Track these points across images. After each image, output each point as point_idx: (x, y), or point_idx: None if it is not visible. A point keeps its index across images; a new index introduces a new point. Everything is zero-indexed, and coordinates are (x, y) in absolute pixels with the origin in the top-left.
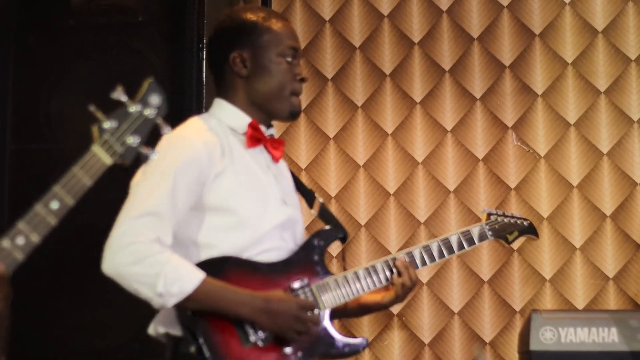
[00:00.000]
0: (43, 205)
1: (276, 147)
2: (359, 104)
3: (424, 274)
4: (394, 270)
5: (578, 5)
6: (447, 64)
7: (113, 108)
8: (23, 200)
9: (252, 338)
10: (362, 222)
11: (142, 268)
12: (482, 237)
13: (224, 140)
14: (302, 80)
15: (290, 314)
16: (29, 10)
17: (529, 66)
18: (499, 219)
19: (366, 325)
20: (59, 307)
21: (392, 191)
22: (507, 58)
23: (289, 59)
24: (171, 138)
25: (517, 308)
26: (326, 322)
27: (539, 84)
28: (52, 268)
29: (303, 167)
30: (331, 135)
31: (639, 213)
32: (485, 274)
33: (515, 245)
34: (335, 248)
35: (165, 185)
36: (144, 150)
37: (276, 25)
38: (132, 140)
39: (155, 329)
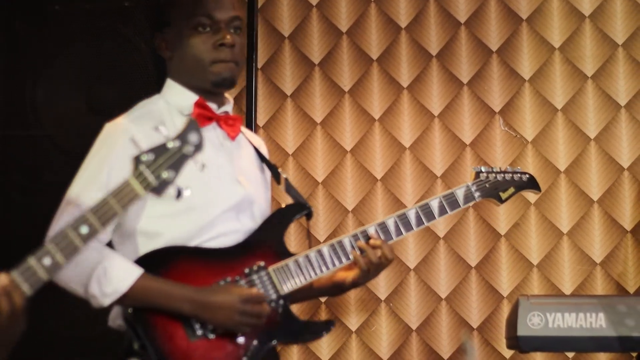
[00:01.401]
0: (72, 229)
1: (231, 124)
2: (346, 89)
3: (411, 260)
4: (356, 247)
5: None
6: (434, 49)
7: (101, 93)
8: (9, 186)
9: (199, 332)
10: (350, 208)
11: (76, 269)
12: (469, 199)
13: (169, 122)
14: (223, 45)
15: (232, 307)
16: None
17: (516, 51)
18: (490, 176)
19: (353, 312)
20: (43, 296)
21: (379, 177)
22: (494, 43)
23: (203, 29)
24: (109, 126)
25: (505, 294)
26: (285, 306)
27: (526, 69)
28: None
29: (290, 153)
30: (318, 120)
31: (626, 198)
32: (473, 259)
33: (503, 230)
34: (326, 229)
35: (100, 179)
36: (179, 185)
37: None
38: (167, 174)
39: (113, 320)
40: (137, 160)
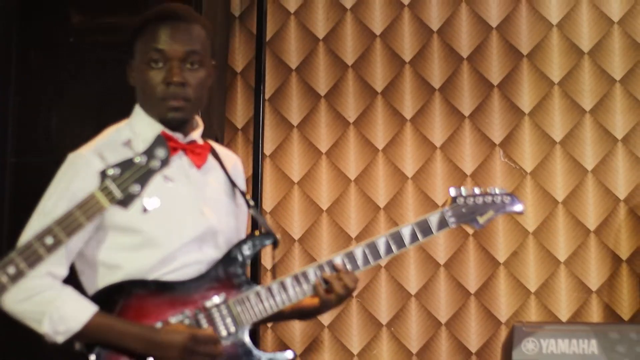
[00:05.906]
0: (37, 239)
1: (198, 152)
2: (351, 120)
3: (412, 286)
4: (320, 278)
5: (565, 27)
6: (437, 83)
7: (112, 120)
8: (23, 213)
9: None
10: (353, 235)
11: (30, 305)
12: (442, 225)
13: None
14: (171, 84)
15: (182, 347)
16: (30, 27)
17: (517, 85)
18: (468, 200)
19: (355, 335)
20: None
21: (382, 205)
22: (495, 77)
23: (155, 64)
24: (71, 157)
25: (503, 320)
26: (245, 339)
27: (526, 102)
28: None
29: (296, 182)
30: (323, 150)
31: (622, 229)
32: (472, 286)
33: (502, 257)
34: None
35: (57, 212)
36: (144, 200)
37: (145, 29)
38: (133, 188)
39: (79, 345)
40: (103, 174)
